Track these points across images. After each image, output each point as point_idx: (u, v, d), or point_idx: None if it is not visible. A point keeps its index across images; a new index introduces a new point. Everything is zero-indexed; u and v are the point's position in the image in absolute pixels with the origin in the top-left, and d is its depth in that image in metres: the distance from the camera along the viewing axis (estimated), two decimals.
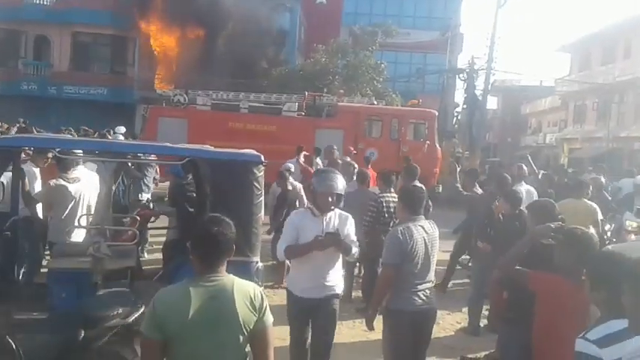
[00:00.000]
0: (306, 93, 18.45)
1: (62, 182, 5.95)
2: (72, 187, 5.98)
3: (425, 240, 4.29)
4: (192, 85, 20.45)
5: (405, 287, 4.24)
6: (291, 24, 30.07)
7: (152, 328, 2.49)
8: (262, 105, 17.52)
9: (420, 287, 4.29)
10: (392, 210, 6.70)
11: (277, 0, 29.57)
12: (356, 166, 9.60)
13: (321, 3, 30.26)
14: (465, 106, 26.42)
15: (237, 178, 5.19)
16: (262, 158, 5.37)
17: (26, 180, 6.19)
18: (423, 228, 4.33)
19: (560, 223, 3.58)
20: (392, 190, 6.99)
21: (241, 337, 2.54)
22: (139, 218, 6.72)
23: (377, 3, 35.94)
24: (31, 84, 27.40)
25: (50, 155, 6.29)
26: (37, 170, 6.73)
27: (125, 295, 3.85)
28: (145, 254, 8.51)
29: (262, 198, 5.45)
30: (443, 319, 7.01)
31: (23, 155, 7.50)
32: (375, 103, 19.12)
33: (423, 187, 5.08)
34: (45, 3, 28.07)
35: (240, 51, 25.11)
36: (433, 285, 4.51)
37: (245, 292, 2.59)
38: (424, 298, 4.30)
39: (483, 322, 6.73)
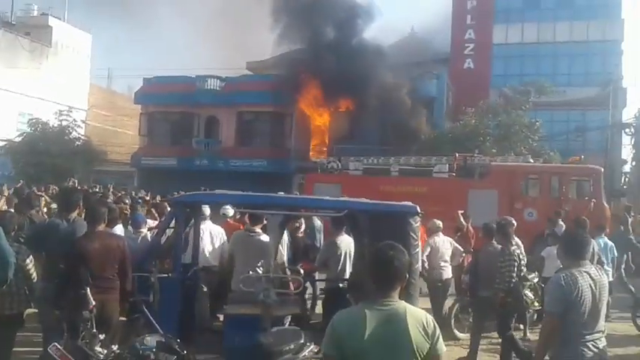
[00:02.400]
0: (457, 154, 18.35)
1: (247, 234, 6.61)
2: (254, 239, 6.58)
3: (591, 287, 4.05)
4: (344, 152, 21.37)
5: (572, 338, 4.01)
6: (438, 90, 30.35)
7: (331, 345, 2.65)
8: (412, 167, 17.79)
9: (588, 338, 4.03)
10: (523, 263, 7.21)
11: (424, 68, 30.20)
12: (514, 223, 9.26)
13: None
14: (634, 163, 24.26)
15: (394, 229, 5.36)
16: (418, 209, 5.54)
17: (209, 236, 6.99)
18: (589, 274, 4.10)
19: None
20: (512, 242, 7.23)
21: None
22: (302, 270, 7.14)
23: (528, 63, 34.83)
24: (202, 159, 30.52)
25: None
26: (218, 228, 7.59)
27: (296, 333, 4.12)
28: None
29: (419, 249, 5.57)
30: None
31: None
32: (532, 161, 18.39)
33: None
34: (214, 88, 31.53)
35: (388, 119, 25.85)
36: (604, 335, 4.20)
37: (418, 318, 2.65)
38: (594, 349, 4.03)
39: None
